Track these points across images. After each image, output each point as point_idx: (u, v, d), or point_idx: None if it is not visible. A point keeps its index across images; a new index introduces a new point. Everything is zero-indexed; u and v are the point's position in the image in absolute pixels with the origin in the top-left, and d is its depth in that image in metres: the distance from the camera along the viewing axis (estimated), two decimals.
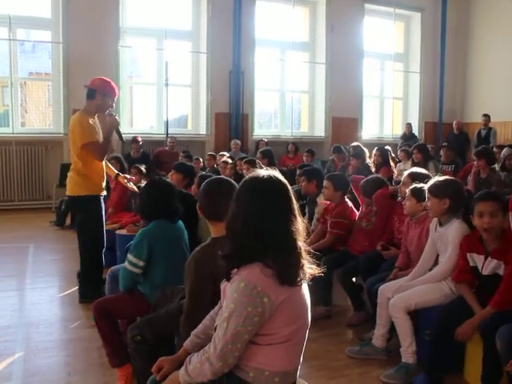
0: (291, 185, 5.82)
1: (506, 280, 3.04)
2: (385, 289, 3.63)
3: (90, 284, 4.69)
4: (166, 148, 10.11)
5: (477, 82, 13.42)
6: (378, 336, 3.65)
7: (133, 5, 10.58)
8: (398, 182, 7.87)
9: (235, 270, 1.88)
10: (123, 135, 4.80)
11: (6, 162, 9.54)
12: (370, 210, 4.53)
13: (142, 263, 3.21)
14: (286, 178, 5.39)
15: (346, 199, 4.82)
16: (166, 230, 3.30)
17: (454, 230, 3.37)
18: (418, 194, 3.72)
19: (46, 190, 9.85)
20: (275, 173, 1.93)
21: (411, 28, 13.61)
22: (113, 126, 4.59)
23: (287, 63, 12.16)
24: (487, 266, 3.17)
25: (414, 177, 4.12)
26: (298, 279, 1.86)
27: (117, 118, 4.63)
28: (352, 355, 3.70)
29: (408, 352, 3.32)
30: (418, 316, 3.43)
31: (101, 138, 4.51)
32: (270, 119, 13.12)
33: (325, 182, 4.80)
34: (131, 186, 5.23)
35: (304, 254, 1.90)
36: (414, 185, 3.80)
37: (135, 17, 10.72)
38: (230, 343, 1.81)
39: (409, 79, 13.80)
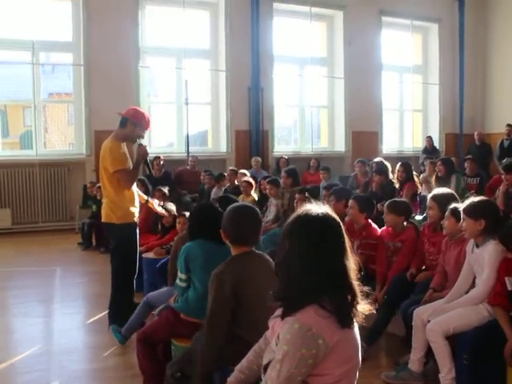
0: (316, 197, 5.73)
1: None
2: (420, 311, 3.56)
3: (119, 309, 4.68)
4: (188, 167, 10.14)
5: (497, 92, 13.28)
6: (415, 360, 3.58)
7: (152, 25, 10.72)
8: (423, 198, 7.93)
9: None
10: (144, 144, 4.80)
11: (30, 184, 9.65)
12: (396, 248, 4.44)
13: (184, 276, 3.27)
14: (309, 190, 5.39)
15: (370, 220, 4.76)
16: (207, 249, 3.28)
17: (491, 251, 3.31)
18: (457, 214, 3.65)
19: (69, 211, 9.93)
20: (328, 209, 1.90)
21: (429, 39, 13.56)
22: (142, 157, 4.60)
23: (306, 78, 12.17)
24: None
25: (437, 198, 4.09)
26: (353, 320, 1.83)
27: (146, 148, 4.64)
28: (388, 381, 3.63)
29: (447, 378, 3.24)
30: (456, 340, 3.34)
31: (130, 165, 4.52)
32: (290, 135, 13.11)
33: (350, 202, 4.75)
34: (161, 210, 5.24)
35: (358, 293, 1.87)
36: (454, 204, 3.74)
37: (154, 37, 10.86)
38: None
39: (428, 91, 13.71)
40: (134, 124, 4.50)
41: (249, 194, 7.58)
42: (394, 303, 4.12)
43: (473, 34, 13.38)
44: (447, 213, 3.75)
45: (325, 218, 1.86)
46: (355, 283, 1.86)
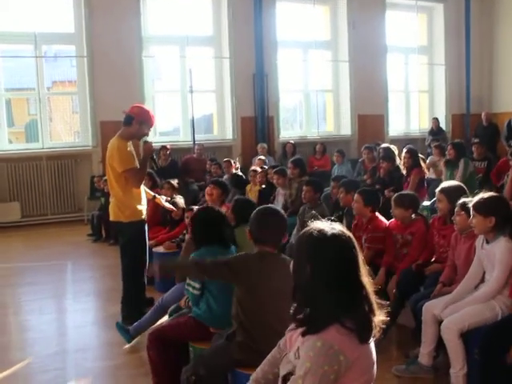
0: (322, 188, 5.76)
1: None
2: (430, 306, 3.59)
3: (132, 306, 4.74)
4: (194, 155, 10.15)
5: (504, 71, 13.14)
6: (424, 354, 3.61)
7: (154, 14, 10.63)
8: (431, 181, 7.92)
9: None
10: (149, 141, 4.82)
11: (38, 177, 9.70)
12: (405, 241, 4.46)
13: (197, 285, 3.30)
14: (316, 183, 5.37)
15: (377, 213, 4.76)
16: (214, 254, 3.29)
17: (502, 248, 3.31)
18: (467, 209, 3.64)
19: (77, 202, 9.99)
20: (339, 226, 1.92)
21: (434, 20, 13.40)
22: (148, 154, 4.62)
23: (310, 63, 12.09)
24: None
25: (446, 191, 4.10)
26: (371, 335, 1.86)
27: (152, 145, 4.65)
28: (399, 374, 3.68)
29: (459, 375, 3.28)
30: (468, 335, 3.37)
31: (137, 164, 4.53)
32: (295, 120, 13.07)
33: (355, 196, 4.75)
34: (168, 205, 5.28)
35: (375, 307, 1.89)
36: (463, 199, 3.74)
37: (157, 25, 10.78)
38: None
39: (434, 72, 13.59)
40: (139, 122, 4.51)
41: (256, 183, 7.60)
42: (404, 295, 4.15)
43: (478, 13, 13.22)
44: (457, 208, 3.74)
45: (340, 236, 1.88)
46: (372, 297, 1.89)
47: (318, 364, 1.78)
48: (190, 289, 3.31)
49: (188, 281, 3.34)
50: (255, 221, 2.85)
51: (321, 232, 1.87)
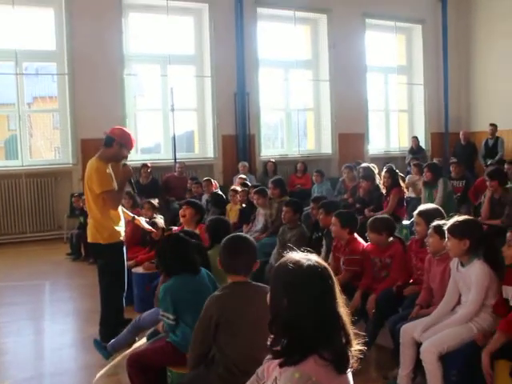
0: (302, 208, 5.76)
1: None
2: (408, 328, 3.62)
3: (110, 327, 4.70)
4: (175, 173, 10.15)
5: (481, 90, 13.42)
6: (403, 376, 3.63)
7: (136, 32, 10.69)
8: (410, 200, 8.02)
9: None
10: (129, 162, 4.83)
11: (17, 195, 9.62)
12: (385, 264, 4.49)
13: (171, 316, 3.28)
14: (296, 203, 5.39)
15: (355, 235, 4.80)
16: (186, 284, 3.33)
17: (477, 271, 3.36)
18: (440, 231, 3.70)
19: (56, 220, 9.90)
20: (315, 257, 1.92)
21: (413, 40, 13.67)
22: (127, 177, 4.63)
23: (291, 82, 12.22)
24: None
25: (424, 215, 4.13)
26: (349, 366, 1.87)
27: (131, 169, 4.66)
28: None
29: None
30: (445, 357, 3.40)
31: (115, 186, 4.53)
32: (277, 138, 13.15)
33: (333, 219, 4.77)
34: (148, 227, 5.27)
35: (352, 338, 1.90)
36: (437, 222, 3.79)
37: (139, 44, 10.84)
38: None
39: (413, 91, 13.83)
40: (119, 145, 4.52)
41: (236, 202, 7.62)
42: (384, 315, 4.19)
43: (456, 34, 13.52)
44: (430, 230, 3.79)
45: (316, 268, 1.87)
46: (349, 327, 1.89)
47: None
48: (165, 319, 3.31)
49: (162, 312, 3.33)
50: (226, 251, 2.83)
51: (296, 264, 1.87)
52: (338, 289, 1.90)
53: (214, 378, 2.71)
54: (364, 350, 1.94)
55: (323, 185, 9.32)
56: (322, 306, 1.85)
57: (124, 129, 4.74)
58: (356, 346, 1.91)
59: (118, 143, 4.50)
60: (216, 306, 2.69)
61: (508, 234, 3.40)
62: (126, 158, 4.68)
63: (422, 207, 4.31)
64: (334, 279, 1.91)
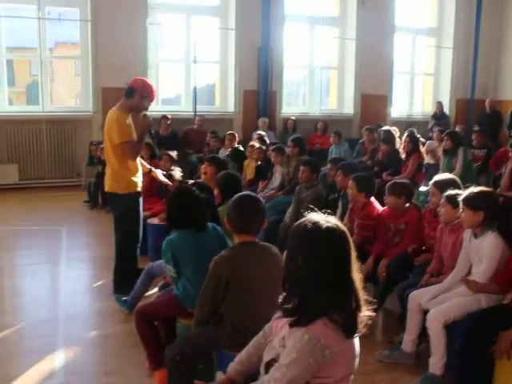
0: (319, 169, 5.72)
1: None
2: (416, 295, 3.65)
3: (124, 277, 4.80)
4: (195, 126, 10.11)
5: None
6: (408, 341, 3.68)
7: None
8: (429, 166, 7.93)
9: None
10: (149, 113, 4.82)
11: (37, 141, 9.68)
12: (399, 229, 4.46)
13: (173, 269, 3.31)
14: (313, 163, 5.34)
15: (372, 199, 4.78)
16: (190, 240, 3.31)
17: (489, 243, 3.35)
18: (453, 201, 3.68)
19: (75, 167, 9.98)
20: (334, 220, 1.93)
21: (445, 1, 13.16)
22: (147, 128, 4.62)
23: (316, 39, 11.93)
24: None
25: (439, 185, 4.09)
26: (357, 330, 1.91)
27: (151, 120, 4.65)
28: (381, 359, 3.75)
29: (438, 364, 3.35)
30: (451, 326, 3.42)
31: (135, 137, 4.53)
32: (298, 95, 12.98)
33: (350, 182, 4.75)
34: (164, 179, 5.30)
35: (363, 303, 1.93)
36: (449, 191, 3.76)
37: None
38: None
39: (441, 54, 13.41)
40: (141, 96, 4.49)
41: (253, 159, 7.60)
42: (394, 280, 4.21)
43: None
44: (443, 200, 3.77)
45: (334, 230, 1.88)
46: (360, 294, 1.92)
47: (304, 356, 1.83)
48: (167, 271, 3.35)
49: (164, 264, 3.36)
50: (235, 210, 2.78)
51: (315, 225, 1.88)
52: (354, 254, 1.92)
53: (221, 336, 2.75)
54: (373, 315, 1.97)
55: (341, 146, 9.21)
56: (335, 269, 1.86)
57: (146, 80, 4.70)
58: (365, 312, 1.94)
59: (139, 94, 4.48)
60: (225, 266, 2.69)
61: None
62: (147, 109, 4.66)
63: (438, 177, 4.25)
64: (352, 244, 1.92)
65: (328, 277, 1.86)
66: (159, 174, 5.28)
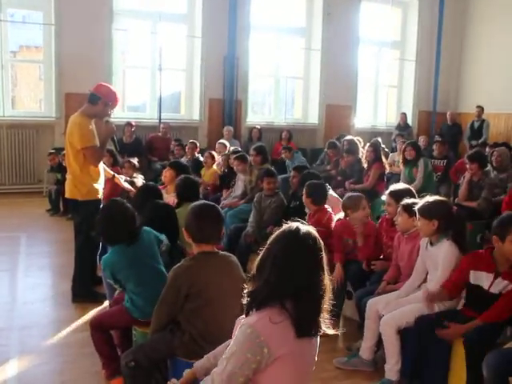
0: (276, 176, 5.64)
1: (506, 299, 3.14)
2: (374, 303, 3.71)
3: (83, 284, 4.74)
4: (159, 134, 10.06)
5: (472, 72, 13.37)
6: (366, 348, 3.73)
7: None
8: (390, 177, 8.07)
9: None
10: (113, 119, 4.80)
11: None
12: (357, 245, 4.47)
13: (117, 285, 3.37)
14: (277, 169, 5.37)
15: (325, 206, 4.82)
16: (124, 256, 3.28)
17: (445, 251, 3.44)
18: (409, 210, 3.76)
19: (37, 173, 9.78)
20: (310, 229, 2.01)
21: (408, 15, 13.49)
22: (109, 134, 4.60)
23: (282, 49, 12.04)
24: (496, 285, 3.24)
25: (395, 195, 4.17)
26: (311, 331, 1.93)
27: (114, 126, 4.62)
28: (339, 366, 3.79)
29: (393, 370, 3.41)
30: (405, 332, 3.49)
31: (98, 143, 4.50)
32: (264, 105, 13.05)
33: (304, 190, 4.84)
34: (127, 186, 5.28)
35: (325, 311, 1.97)
36: (405, 200, 3.84)
37: None
38: (225, 381, 1.90)
39: (404, 67, 13.73)
40: (105, 103, 4.49)
41: (210, 166, 7.62)
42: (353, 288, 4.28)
43: (452, 13, 13.33)
44: (399, 209, 3.86)
45: (304, 234, 1.96)
46: (326, 298, 1.96)
47: (243, 350, 1.86)
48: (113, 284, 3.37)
49: (107, 279, 3.38)
50: (194, 221, 2.76)
51: (291, 226, 1.98)
52: (325, 260, 1.99)
53: (177, 345, 2.74)
54: (331, 321, 2.01)
55: (295, 159, 9.08)
56: (298, 267, 1.91)
57: (110, 87, 4.68)
58: (325, 316, 1.98)
59: (103, 102, 4.48)
60: (185, 277, 2.69)
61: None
62: (110, 115, 4.63)
63: (393, 187, 4.34)
64: (323, 253, 1.99)
65: (292, 273, 1.90)
66: (122, 180, 5.25)
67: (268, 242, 2.01)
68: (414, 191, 4.19)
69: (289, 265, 1.91)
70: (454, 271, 3.41)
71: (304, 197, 4.77)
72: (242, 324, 1.92)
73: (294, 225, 2.00)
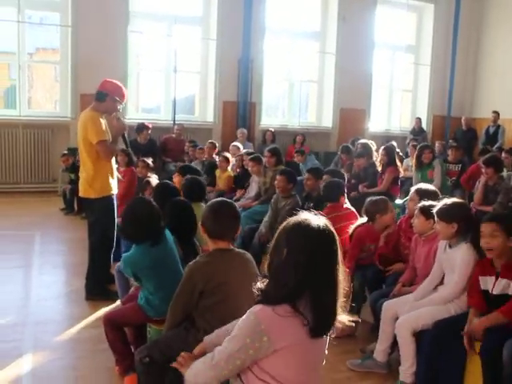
0: (295, 179, 5.77)
1: None
2: (389, 305, 3.67)
3: (96, 282, 4.76)
4: (173, 135, 10.09)
5: (488, 77, 13.28)
6: (380, 351, 3.70)
7: None
8: (404, 181, 8.02)
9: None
10: (128, 120, 4.84)
11: (13, 145, 9.56)
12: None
13: (135, 283, 3.38)
14: (291, 172, 5.43)
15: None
16: (147, 256, 3.25)
17: (462, 254, 3.39)
18: (426, 212, 3.73)
19: (51, 173, 9.88)
20: (325, 220, 1.95)
21: (424, 20, 13.45)
22: (120, 131, 4.62)
23: (297, 52, 12.05)
24: (497, 286, 3.21)
25: (421, 193, 4.14)
26: (326, 331, 1.92)
27: (125, 123, 4.65)
28: (353, 368, 3.76)
29: (408, 372, 3.38)
30: (421, 335, 3.45)
31: (109, 138, 4.53)
32: (278, 108, 13.06)
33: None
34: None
35: (340, 307, 1.94)
36: (423, 202, 3.81)
37: (145, 1, 10.63)
38: (223, 361, 1.94)
39: (419, 71, 13.67)
40: (113, 100, 4.51)
41: (224, 170, 7.59)
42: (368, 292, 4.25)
43: (468, 17, 13.27)
44: (416, 211, 3.82)
45: (323, 228, 1.91)
46: (340, 296, 1.93)
47: (243, 334, 1.89)
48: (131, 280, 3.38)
49: (126, 275, 3.39)
50: (210, 216, 2.74)
51: (305, 221, 1.92)
52: (340, 256, 1.94)
53: (192, 342, 2.71)
54: (351, 324, 2.00)
55: (308, 162, 9.06)
56: (318, 265, 1.87)
57: (115, 82, 4.67)
58: (341, 316, 1.95)
59: (111, 98, 4.51)
60: (201, 274, 2.68)
61: (491, 225, 3.21)
62: (119, 111, 4.66)
63: (422, 185, 4.32)
64: (339, 246, 1.94)
65: (306, 271, 1.86)
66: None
67: (282, 237, 1.94)
68: (439, 193, 4.14)
69: (311, 270, 1.87)
70: (470, 284, 3.37)
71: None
72: (249, 311, 1.93)
73: (310, 220, 1.92)
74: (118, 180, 6.46)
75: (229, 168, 7.65)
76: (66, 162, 8.71)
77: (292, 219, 1.96)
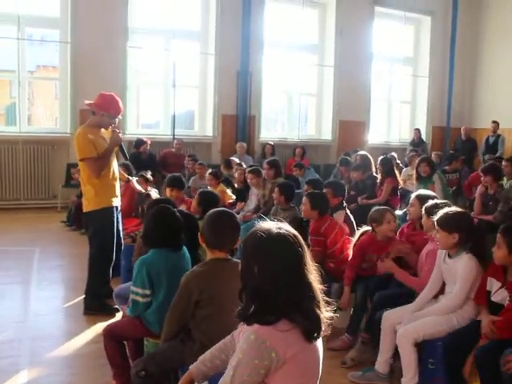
0: (293, 191, 5.69)
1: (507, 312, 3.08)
2: (389, 315, 3.62)
3: (94, 296, 4.72)
4: (173, 150, 10.10)
5: (486, 87, 13.34)
6: (381, 362, 3.64)
7: (141, 4, 10.54)
8: (404, 193, 7.98)
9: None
10: (130, 135, 4.85)
11: (13, 161, 9.55)
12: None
13: (148, 291, 3.18)
14: (288, 185, 5.38)
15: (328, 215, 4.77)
16: (165, 260, 3.21)
17: (464, 265, 3.33)
18: (430, 213, 3.70)
19: (51, 189, 9.86)
20: (286, 225, 1.93)
21: (421, 32, 13.54)
22: (115, 143, 4.61)
23: (295, 65, 12.10)
24: (499, 294, 3.19)
25: (421, 198, 4.12)
26: (320, 333, 1.88)
27: (120, 135, 4.64)
28: (355, 380, 3.70)
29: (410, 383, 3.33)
30: (423, 345, 3.41)
31: (97, 153, 4.50)
32: (277, 121, 13.09)
33: (303, 199, 4.79)
34: (140, 188, 5.46)
35: (322, 305, 1.90)
36: (430, 202, 3.81)
37: (143, 16, 10.69)
38: None
39: (417, 83, 13.74)
40: (101, 114, 4.52)
41: (216, 186, 7.43)
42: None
43: (465, 29, 13.37)
44: (423, 212, 3.82)
45: (285, 235, 1.88)
46: (318, 294, 1.90)
47: (249, 357, 1.81)
48: (141, 299, 3.16)
49: (133, 287, 3.20)
50: (210, 226, 2.74)
51: (266, 232, 1.87)
52: (308, 255, 1.91)
53: (188, 354, 2.68)
54: (334, 316, 1.95)
55: (307, 175, 9.04)
56: (290, 272, 1.84)
57: (108, 96, 4.63)
58: (326, 313, 1.91)
59: (98, 113, 4.53)
60: (196, 283, 2.66)
61: (498, 236, 3.25)
62: (114, 124, 4.65)
63: (423, 191, 4.35)
64: (304, 247, 1.91)
65: (284, 281, 1.83)
66: (135, 183, 5.35)
67: (249, 255, 1.90)
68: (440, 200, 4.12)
69: (287, 275, 1.83)
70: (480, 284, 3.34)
71: (306, 207, 4.68)
72: (246, 330, 1.87)
73: (269, 227, 1.88)
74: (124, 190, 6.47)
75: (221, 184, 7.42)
76: (75, 175, 8.64)
77: (253, 232, 1.91)
